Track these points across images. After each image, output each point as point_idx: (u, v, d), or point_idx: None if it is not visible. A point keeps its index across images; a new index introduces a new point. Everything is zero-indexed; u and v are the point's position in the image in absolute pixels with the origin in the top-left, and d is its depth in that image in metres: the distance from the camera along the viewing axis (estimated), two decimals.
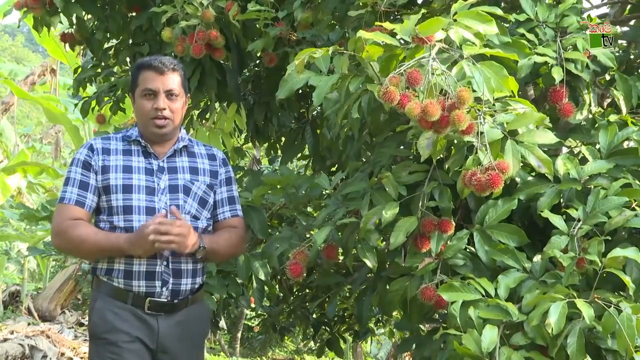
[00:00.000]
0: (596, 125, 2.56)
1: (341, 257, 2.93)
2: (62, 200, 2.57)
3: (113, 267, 2.53)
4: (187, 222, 2.52)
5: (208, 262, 2.78)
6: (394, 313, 3.21)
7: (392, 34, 2.21)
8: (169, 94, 2.59)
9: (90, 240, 2.50)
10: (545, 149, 2.40)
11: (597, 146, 2.45)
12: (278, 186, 3.15)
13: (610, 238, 2.13)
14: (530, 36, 2.56)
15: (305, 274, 2.85)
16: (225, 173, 2.77)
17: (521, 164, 2.18)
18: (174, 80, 2.61)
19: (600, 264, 2.02)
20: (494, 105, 2.22)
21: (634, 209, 2.18)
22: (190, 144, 2.74)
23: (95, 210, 2.61)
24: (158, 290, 2.51)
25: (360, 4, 2.84)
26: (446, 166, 2.30)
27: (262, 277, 3.15)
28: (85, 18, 4.49)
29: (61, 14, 4.17)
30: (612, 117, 2.51)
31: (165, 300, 2.53)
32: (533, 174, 2.41)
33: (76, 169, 2.59)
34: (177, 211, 2.50)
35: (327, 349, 4.42)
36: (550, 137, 2.22)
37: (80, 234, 2.51)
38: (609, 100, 2.94)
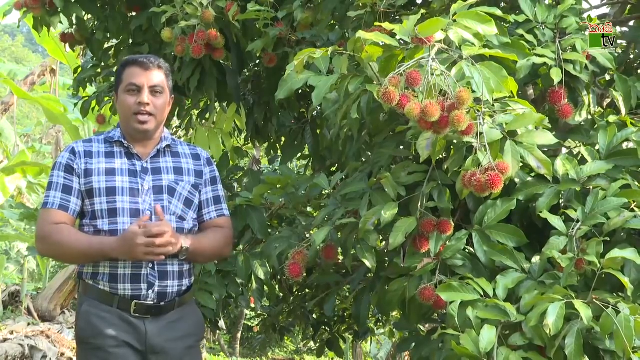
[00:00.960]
0: (595, 126, 2.56)
1: (340, 258, 2.93)
2: (46, 205, 2.53)
3: (98, 271, 2.50)
4: (169, 222, 2.49)
5: (194, 263, 2.74)
6: (394, 313, 3.21)
7: (392, 34, 2.21)
8: (153, 90, 2.56)
9: (72, 245, 2.46)
10: (545, 150, 2.40)
11: (596, 147, 2.45)
12: (278, 186, 3.16)
13: (609, 239, 2.13)
14: (530, 37, 2.56)
15: (304, 274, 2.85)
16: (210, 173, 2.74)
17: (520, 165, 2.18)
18: (158, 76, 2.58)
19: (598, 265, 2.02)
20: (493, 105, 2.22)
21: (632, 210, 2.18)
22: (174, 144, 2.71)
23: (79, 214, 2.58)
24: (144, 293, 2.48)
25: (360, 4, 2.84)
26: (445, 167, 2.31)
27: (261, 276, 3.16)
28: (85, 18, 4.49)
29: (61, 14, 4.17)
30: (612, 118, 2.51)
31: (152, 302, 2.50)
32: (532, 174, 2.42)
33: (59, 173, 2.56)
34: (161, 212, 2.47)
35: (327, 349, 4.43)
36: (549, 138, 2.22)
37: (62, 239, 2.47)
38: (608, 100, 2.94)
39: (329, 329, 4.38)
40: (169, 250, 2.42)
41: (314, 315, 4.28)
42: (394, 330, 5.22)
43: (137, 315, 2.48)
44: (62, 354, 7.59)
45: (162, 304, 2.52)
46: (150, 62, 2.58)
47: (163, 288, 2.52)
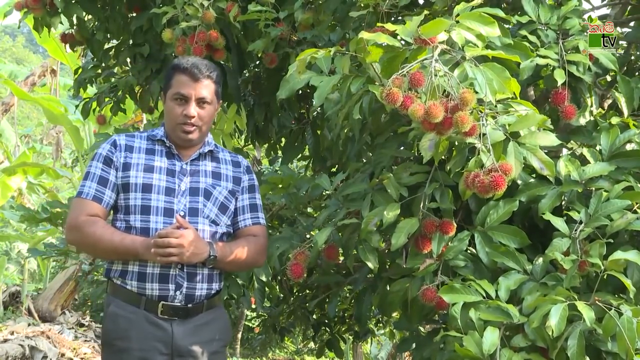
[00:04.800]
0: (598, 127, 2.55)
1: (341, 258, 2.93)
2: (80, 194, 2.52)
3: (127, 269, 2.48)
4: (192, 229, 2.43)
5: (224, 271, 2.68)
6: (394, 313, 3.20)
7: (394, 35, 2.21)
8: (200, 101, 2.55)
9: (105, 240, 2.44)
10: (546, 151, 2.39)
11: (598, 148, 2.44)
12: (279, 186, 3.15)
13: (611, 241, 2.13)
14: (532, 38, 2.55)
15: (305, 275, 2.84)
16: (248, 180, 2.72)
17: (522, 166, 2.18)
18: (207, 87, 2.56)
19: (601, 267, 2.02)
20: (496, 107, 2.21)
21: (635, 212, 2.17)
22: (216, 150, 2.69)
23: (113, 208, 2.57)
24: (171, 294, 2.46)
25: (362, 4, 2.84)
26: (448, 167, 2.30)
27: (263, 278, 3.15)
28: (86, 19, 4.49)
29: (61, 15, 4.16)
30: (614, 120, 2.50)
31: (179, 304, 2.47)
32: (534, 175, 2.41)
33: (97, 164, 2.54)
34: (182, 219, 2.43)
35: (327, 349, 4.42)
36: (552, 139, 2.21)
37: (95, 231, 2.45)
38: (609, 101, 2.94)
39: (329, 330, 4.37)
40: (174, 259, 2.38)
41: (314, 316, 4.28)
42: (394, 330, 5.22)
43: (164, 317, 2.45)
44: (63, 355, 7.58)
45: (190, 306, 2.50)
46: (200, 72, 2.54)
47: (191, 290, 2.49)
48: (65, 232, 2.58)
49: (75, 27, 4.42)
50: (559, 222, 2.22)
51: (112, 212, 2.59)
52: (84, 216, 2.49)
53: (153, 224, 2.47)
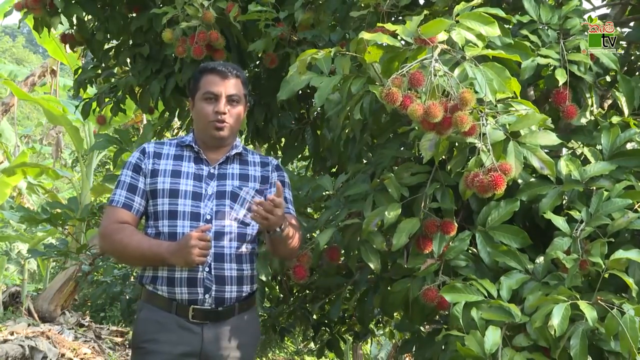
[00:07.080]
0: (598, 127, 2.55)
1: (342, 258, 2.92)
2: (111, 202, 2.55)
3: (157, 275, 2.49)
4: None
5: (275, 252, 2.59)
6: (395, 314, 3.20)
7: (394, 35, 2.21)
8: (230, 99, 2.55)
9: (132, 246, 2.45)
10: (546, 150, 2.39)
11: (599, 147, 2.44)
12: None
13: (613, 240, 2.13)
14: (533, 38, 2.55)
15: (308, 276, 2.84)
16: (278, 176, 2.68)
17: (523, 165, 2.18)
18: (236, 85, 2.57)
19: (603, 266, 2.02)
20: (496, 106, 2.21)
21: (636, 211, 2.17)
22: (245, 152, 2.69)
23: (145, 215, 2.58)
24: (201, 297, 2.45)
25: (362, 4, 2.83)
26: (448, 167, 2.30)
27: (263, 278, 3.14)
28: (86, 19, 4.49)
29: (61, 15, 4.16)
30: (615, 119, 2.50)
31: (209, 307, 2.47)
32: (535, 175, 2.41)
33: (127, 172, 2.57)
34: (205, 227, 2.40)
35: (327, 350, 4.42)
36: (552, 139, 2.21)
37: (122, 238, 2.47)
38: (609, 101, 2.94)
39: (329, 330, 4.37)
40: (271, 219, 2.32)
41: (314, 316, 4.27)
42: (394, 331, 5.21)
43: (195, 321, 2.45)
44: (63, 355, 7.58)
45: (220, 309, 2.49)
46: (228, 70, 2.56)
47: (220, 293, 2.48)
48: (98, 239, 2.60)
49: (75, 28, 4.41)
50: (560, 222, 2.22)
51: (144, 218, 2.61)
52: (113, 224, 2.51)
53: (180, 229, 2.48)
